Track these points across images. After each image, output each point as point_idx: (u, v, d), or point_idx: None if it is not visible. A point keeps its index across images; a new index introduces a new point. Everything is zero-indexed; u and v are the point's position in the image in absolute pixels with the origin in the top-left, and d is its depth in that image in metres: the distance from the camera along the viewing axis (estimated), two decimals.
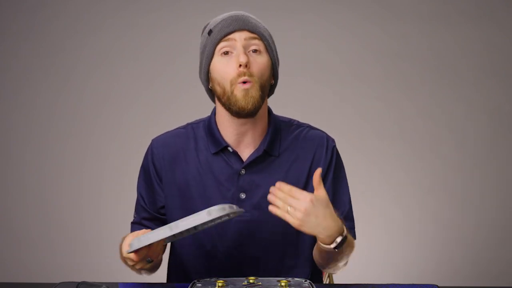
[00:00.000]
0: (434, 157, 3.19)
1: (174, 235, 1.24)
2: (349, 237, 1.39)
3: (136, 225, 1.57)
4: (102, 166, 3.18)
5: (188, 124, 1.59)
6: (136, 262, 1.30)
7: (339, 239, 1.33)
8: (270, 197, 1.31)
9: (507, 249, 3.17)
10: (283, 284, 1.29)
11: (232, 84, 1.42)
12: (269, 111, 1.55)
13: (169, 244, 1.63)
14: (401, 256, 3.15)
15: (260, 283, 1.31)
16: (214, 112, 1.55)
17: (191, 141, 1.54)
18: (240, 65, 1.41)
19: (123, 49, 3.18)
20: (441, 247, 3.16)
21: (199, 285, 1.30)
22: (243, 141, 1.50)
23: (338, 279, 1.86)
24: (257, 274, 1.42)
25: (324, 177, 1.52)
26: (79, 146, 3.19)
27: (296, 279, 1.35)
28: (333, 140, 1.58)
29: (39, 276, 3.00)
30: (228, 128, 1.49)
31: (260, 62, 1.44)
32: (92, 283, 1.28)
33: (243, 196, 1.49)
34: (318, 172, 1.31)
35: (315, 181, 1.31)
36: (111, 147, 3.18)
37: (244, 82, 1.41)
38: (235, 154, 1.49)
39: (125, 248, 1.30)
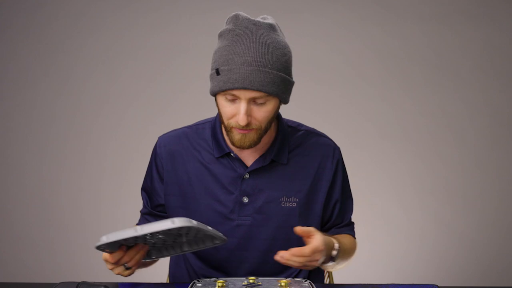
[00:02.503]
0: (434, 157, 3.19)
1: (136, 237, 1.18)
2: (343, 244, 1.46)
3: (144, 215, 1.61)
4: (102, 166, 3.18)
5: (194, 125, 1.57)
6: (113, 265, 1.28)
7: (334, 253, 1.41)
8: (282, 262, 1.30)
9: (507, 249, 3.17)
10: (283, 284, 1.29)
11: (229, 124, 1.38)
12: (278, 116, 1.53)
13: None
14: (401, 256, 3.15)
15: (260, 283, 1.31)
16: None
17: (196, 142, 1.53)
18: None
19: (123, 49, 3.18)
20: (442, 247, 3.16)
21: (199, 285, 1.30)
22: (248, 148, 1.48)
23: (338, 279, 1.86)
24: (256, 275, 1.42)
25: (330, 187, 1.54)
26: (79, 146, 3.19)
27: (296, 279, 1.35)
28: (339, 149, 1.58)
29: (39, 276, 3.00)
30: None
31: (264, 111, 1.37)
32: (92, 283, 1.28)
33: (246, 200, 1.49)
34: (298, 230, 1.32)
35: (303, 234, 1.33)
36: (111, 147, 3.18)
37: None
38: (239, 159, 1.49)
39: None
